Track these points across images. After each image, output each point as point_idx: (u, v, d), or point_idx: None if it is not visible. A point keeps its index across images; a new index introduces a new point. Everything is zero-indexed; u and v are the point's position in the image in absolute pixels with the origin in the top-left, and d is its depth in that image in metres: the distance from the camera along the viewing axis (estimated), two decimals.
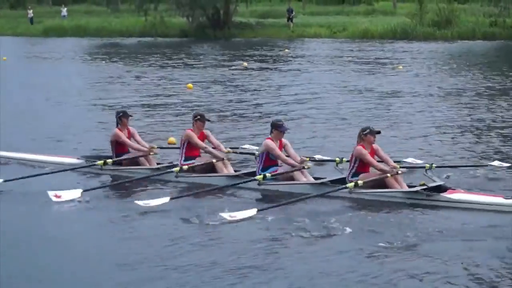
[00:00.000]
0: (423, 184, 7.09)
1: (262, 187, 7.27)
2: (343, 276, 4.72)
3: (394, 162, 7.44)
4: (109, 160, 8.26)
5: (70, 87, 17.65)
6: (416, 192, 6.85)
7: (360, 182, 7.10)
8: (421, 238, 5.47)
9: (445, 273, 4.68)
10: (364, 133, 7.54)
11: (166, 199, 6.45)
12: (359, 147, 7.51)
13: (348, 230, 5.70)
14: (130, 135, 8.68)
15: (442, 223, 6.00)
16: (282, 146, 7.84)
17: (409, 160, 8.40)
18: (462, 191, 6.84)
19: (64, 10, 49.08)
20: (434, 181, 7.22)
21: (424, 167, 7.82)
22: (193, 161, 8.06)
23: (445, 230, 5.67)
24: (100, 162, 8.23)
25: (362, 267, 4.92)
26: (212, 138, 8.44)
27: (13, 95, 16.43)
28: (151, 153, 8.38)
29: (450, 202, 6.50)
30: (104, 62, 24.92)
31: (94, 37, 39.52)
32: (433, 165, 7.84)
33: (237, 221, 5.83)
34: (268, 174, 7.31)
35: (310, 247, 5.30)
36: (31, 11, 47.49)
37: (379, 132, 7.55)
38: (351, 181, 7.11)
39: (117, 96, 15.38)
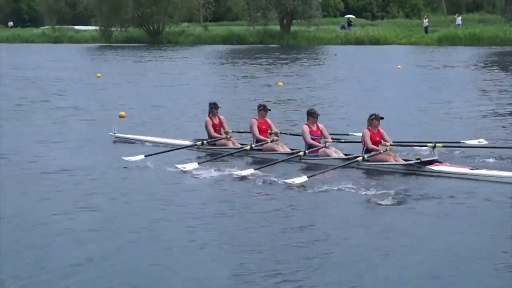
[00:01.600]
0: (418, 159, 9.27)
1: (303, 161, 9.92)
2: (352, 221, 6.73)
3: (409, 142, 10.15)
4: (205, 141, 11.11)
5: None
6: (409, 164, 9.18)
7: (365, 156, 9.54)
8: (409, 197, 7.63)
9: (415, 224, 6.60)
10: (370, 118, 9.80)
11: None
12: (365, 130, 9.85)
13: (355, 190, 7.99)
14: (221, 122, 11.35)
15: (427, 188, 8.17)
16: (319, 129, 10.28)
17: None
18: (447, 164, 9.02)
19: (458, 19, 50.39)
20: (432, 156, 9.38)
21: (426, 145, 9.88)
22: (261, 142, 10.67)
23: (428, 193, 7.86)
24: (199, 143, 11.07)
25: (364, 217, 6.98)
26: (272, 125, 10.86)
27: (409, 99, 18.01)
28: (228, 136, 11.01)
29: (434, 172, 8.83)
30: (497, 71, 25.10)
31: (488, 46, 40.44)
32: (437, 143, 9.76)
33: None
34: (306, 152, 9.80)
35: (326, 198, 7.69)
36: (426, 20, 49.21)
37: (382, 118, 9.77)
38: (359, 156, 9.68)
39: None
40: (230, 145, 11.07)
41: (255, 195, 8.07)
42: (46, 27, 67.57)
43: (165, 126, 13.63)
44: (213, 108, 11.35)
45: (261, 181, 8.66)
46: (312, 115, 10.44)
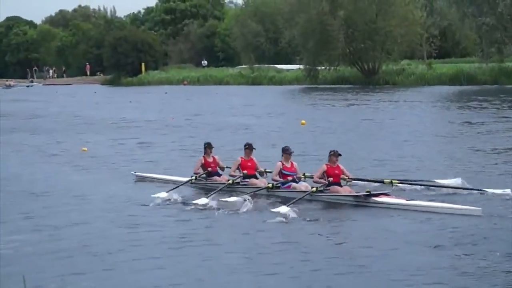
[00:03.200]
0: (367, 191, 12.13)
1: (271, 192, 12.85)
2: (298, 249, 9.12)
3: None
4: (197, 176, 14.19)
5: None
6: (357, 196, 12.17)
7: (314, 189, 12.41)
8: (351, 225, 10.63)
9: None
10: (329, 154, 12.86)
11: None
12: (324, 165, 12.84)
13: (306, 219, 10.78)
14: (215, 161, 14.22)
15: (370, 219, 10.98)
16: (293, 166, 13.10)
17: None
18: (390, 196, 11.92)
19: None
20: (382, 190, 12.43)
21: (383, 181, 12.96)
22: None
23: (372, 224, 10.56)
24: (192, 178, 14.08)
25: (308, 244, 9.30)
26: (257, 163, 13.75)
27: None
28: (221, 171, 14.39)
29: (377, 203, 11.76)
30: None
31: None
32: (393, 180, 12.91)
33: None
34: (273, 184, 12.79)
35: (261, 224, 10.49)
36: None
37: (340, 155, 12.75)
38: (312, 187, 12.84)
39: None
40: (222, 180, 14.24)
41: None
42: (243, 66, 70.62)
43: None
44: (207, 147, 14.22)
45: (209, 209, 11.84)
46: (285, 152, 13.31)
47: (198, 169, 14.30)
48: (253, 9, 75.80)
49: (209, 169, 14.24)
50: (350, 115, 30.09)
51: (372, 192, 12.21)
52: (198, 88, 61.70)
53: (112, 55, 77.07)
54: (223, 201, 12.20)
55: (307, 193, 12.47)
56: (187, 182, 13.97)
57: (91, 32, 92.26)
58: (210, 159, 14.40)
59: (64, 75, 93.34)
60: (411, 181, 13.37)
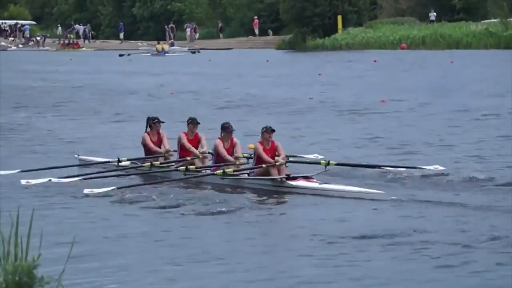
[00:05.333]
0: (287, 175, 16.34)
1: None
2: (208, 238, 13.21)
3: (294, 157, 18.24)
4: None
5: None
6: (274, 179, 16.36)
7: (228, 170, 16.46)
8: (264, 208, 15.61)
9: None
10: (261, 130, 16.46)
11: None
12: (257, 143, 16.45)
13: (211, 206, 14.99)
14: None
15: (285, 199, 16.39)
16: (232, 145, 17.19)
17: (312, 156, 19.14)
18: (310, 180, 16.51)
19: None
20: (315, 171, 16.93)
21: (319, 163, 17.40)
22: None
23: (286, 203, 16.27)
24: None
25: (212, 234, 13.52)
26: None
27: None
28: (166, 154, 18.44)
29: (292, 187, 16.21)
30: None
31: None
32: (331, 161, 17.37)
33: (95, 195, 15.92)
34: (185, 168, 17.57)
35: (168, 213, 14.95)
36: None
37: (273, 131, 16.47)
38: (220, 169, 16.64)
39: None
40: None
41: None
42: (492, 20, 73.14)
43: None
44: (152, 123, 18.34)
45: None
46: (225, 130, 16.91)
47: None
48: None
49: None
50: None
51: (291, 175, 16.14)
52: (423, 53, 63.34)
53: (292, 5, 77.40)
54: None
55: (202, 174, 17.14)
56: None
57: None
58: (156, 138, 18.42)
59: (221, 34, 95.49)
60: (349, 164, 17.95)
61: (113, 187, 15.97)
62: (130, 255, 12.01)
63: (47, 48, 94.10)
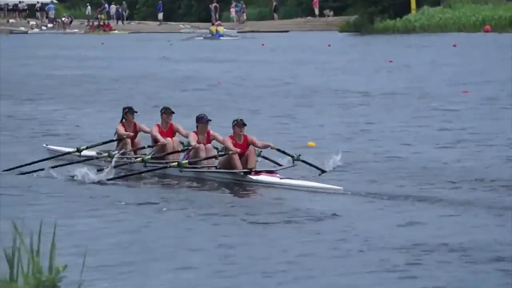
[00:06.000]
0: (249, 168, 18.30)
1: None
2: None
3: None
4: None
5: None
6: (233, 173, 18.38)
7: (185, 162, 18.23)
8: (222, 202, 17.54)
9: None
10: (232, 124, 18.15)
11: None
12: (227, 137, 18.13)
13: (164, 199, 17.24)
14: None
15: (247, 194, 18.61)
16: (209, 138, 18.70)
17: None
18: (273, 174, 18.70)
19: None
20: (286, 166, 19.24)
21: (293, 156, 19.05)
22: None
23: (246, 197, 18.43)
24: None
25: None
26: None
27: None
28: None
29: (253, 182, 18.38)
30: None
31: None
32: (300, 156, 19.07)
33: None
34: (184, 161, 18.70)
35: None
36: None
37: (245, 125, 18.18)
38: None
39: None
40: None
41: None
42: None
43: None
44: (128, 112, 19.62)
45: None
46: (200, 122, 18.54)
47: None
48: None
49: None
50: None
51: (253, 170, 17.84)
52: (511, 37, 61.71)
53: None
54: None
55: (164, 166, 18.66)
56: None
57: None
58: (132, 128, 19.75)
59: (275, 14, 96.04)
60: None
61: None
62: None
63: (74, 30, 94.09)
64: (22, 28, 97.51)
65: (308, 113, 29.64)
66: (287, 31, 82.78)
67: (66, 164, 19.34)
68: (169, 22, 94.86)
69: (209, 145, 18.35)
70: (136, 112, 19.87)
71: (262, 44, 67.71)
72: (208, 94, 36.03)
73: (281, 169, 18.49)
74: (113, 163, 18.59)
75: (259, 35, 78.13)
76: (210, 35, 78.61)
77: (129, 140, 19.55)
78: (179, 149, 18.91)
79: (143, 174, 18.66)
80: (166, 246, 13.53)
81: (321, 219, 15.24)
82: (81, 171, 18.18)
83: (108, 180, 17.86)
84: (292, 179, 18.13)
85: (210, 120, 18.57)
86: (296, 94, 35.35)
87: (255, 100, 33.42)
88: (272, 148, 18.45)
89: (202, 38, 75.55)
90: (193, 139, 18.16)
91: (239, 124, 17.93)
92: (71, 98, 34.79)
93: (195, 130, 18.41)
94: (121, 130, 19.53)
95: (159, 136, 18.88)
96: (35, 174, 18.78)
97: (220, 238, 13.95)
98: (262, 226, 15.00)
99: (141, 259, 12.85)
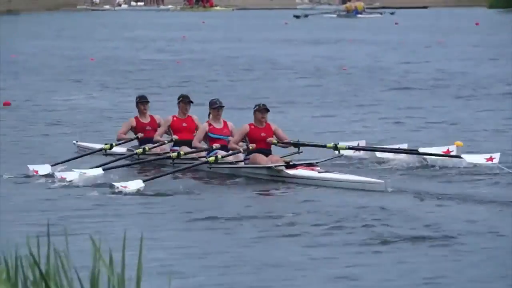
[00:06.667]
0: (287, 162, 18.56)
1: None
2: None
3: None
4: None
5: None
6: (267, 168, 18.63)
7: (219, 156, 18.11)
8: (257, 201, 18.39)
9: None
10: (253, 109, 18.09)
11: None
12: (245, 125, 18.07)
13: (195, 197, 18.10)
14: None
15: (285, 190, 19.05)
16: (226, 125, 18.83)
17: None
18: (313, 167, 18.95)
19: None
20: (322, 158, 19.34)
21: (325, 146, 19.21)
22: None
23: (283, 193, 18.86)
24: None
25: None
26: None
27: None
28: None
29: (290, 177, 18.84)
30: None
31: None
32: (338, 145, 19.30)
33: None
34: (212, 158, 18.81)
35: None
36: None
37: (268, 110, 18.32)
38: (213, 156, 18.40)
39: None
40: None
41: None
42: None
43: None
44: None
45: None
46: (213, 107, 18.38)
47: (125, 134, 19.77)
48: None
49: (141, 134, 19.51)
50: None
51: (291, 163, 17.88)
52: None
53: None
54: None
55: (193, 164, 18.60)
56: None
57: None
58: (147, 120, 19.87)
59: None
60: (363, 147, 19.89)
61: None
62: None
63: (169, 6, 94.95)
64: (107, 7, 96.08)
65: (440, 103, 31.06)
66: (425, 7, 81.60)
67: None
68: None
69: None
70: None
71: (396, 23, 68.91)
72: (328, 81, 38.11)
73: (321, 161, 18.79)
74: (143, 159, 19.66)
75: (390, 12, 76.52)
76: (345, 13, 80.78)
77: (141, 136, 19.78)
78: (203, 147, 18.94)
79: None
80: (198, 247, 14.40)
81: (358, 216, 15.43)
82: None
83: (144, 181, 17.71)
84: (331, 172, 18.47)
85: (224, 106, 19.04)
86: (426, 81, 37.36)
87: (381, 88, 36.10)
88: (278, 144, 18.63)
89: (335, 16, 74.25)
90: (204, 130, 18.91)
91: (261, 109, 17.84)
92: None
93: (208, 120, 18.93)
94: (121, 131, 20.46)
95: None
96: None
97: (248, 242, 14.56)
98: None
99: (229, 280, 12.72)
